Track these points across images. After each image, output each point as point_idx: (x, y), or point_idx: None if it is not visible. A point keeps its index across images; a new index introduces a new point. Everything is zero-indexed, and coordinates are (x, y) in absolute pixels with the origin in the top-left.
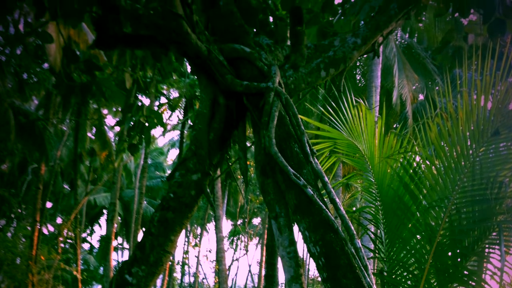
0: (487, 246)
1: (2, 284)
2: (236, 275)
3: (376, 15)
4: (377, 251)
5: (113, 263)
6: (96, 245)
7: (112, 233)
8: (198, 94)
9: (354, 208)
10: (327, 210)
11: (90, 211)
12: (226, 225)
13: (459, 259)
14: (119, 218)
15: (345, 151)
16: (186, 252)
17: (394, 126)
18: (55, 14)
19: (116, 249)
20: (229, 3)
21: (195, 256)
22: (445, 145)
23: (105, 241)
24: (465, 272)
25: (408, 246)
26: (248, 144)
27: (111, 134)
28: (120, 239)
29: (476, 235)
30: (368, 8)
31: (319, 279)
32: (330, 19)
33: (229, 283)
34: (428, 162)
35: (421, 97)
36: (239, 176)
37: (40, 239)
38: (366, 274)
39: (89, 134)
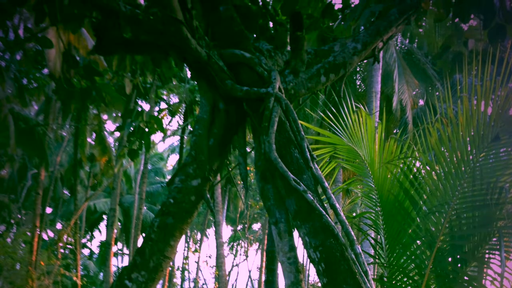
0: (487, 251)
1: None
2: (236, 280)
3: (376, 21)
4: (377, 257)
5: (113, 269)
6: (96, 250)
7: (112, 238)
8: (198, 99)
9: (354, 214)
10: (327, 215)
11: (90, 216)
12: (226, 231)
13: (459, 265)
14: (119, 223)
15: (345, 157)
16: (186, 258)
17: (394, 131)
18: (55, 20)
19: (116, 254)
20: (229, 9)
21: (195, 261)
22: (445, 150)
23: (105, 246)
24: (465, 277)
25: (408, 252)
26: (248, 150)
27: (111, 140)
28: (120, 245)
29: (476, 240)
30: (368, 14)
31: (319, 284)
32: (330, 24)
33: None
34: (428, 168)
35: (421, 102)
36: (239, 182)
37: (40, 244)
38: (366, 279)
39: (89, 140)
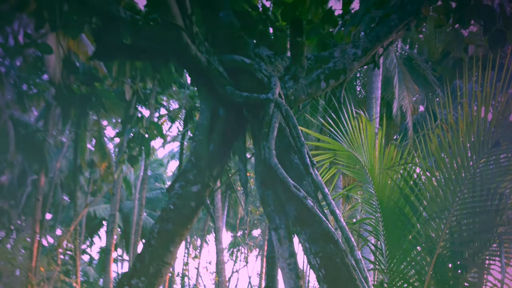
0: (487, 257)
1: None
2: (236, 286)
3: (377, 26)
4: (377, 263)
5: (113, 275)
6: (96, 256)
7: (111, 244)
8: (198, 105)
9: (354, 220)
10: (327, 221)
11: (89, 222)
12: (226, 237)
13: (459, 271)
14: (119, 229)
15: (345, 163)
16: (186, 264)
17: (395, 137)
18: (54, 25)
19: (115, 260)
20: (229, 14)
21: (195, 267)
22: (445, 156)
23: (104, 252)
24: (466, 284)
25: (408, 258)
26: (248, 156)
27: (110, 146)
28: (119, 251)
29: (477, 246)
30: (368, 19)
31: None
32: (330, 30)
33: None
34: (428, 174)
35: (421, 108)
36: (239, 188)
37: (39, 250)
38: (366, 286)
39: (88, 146)
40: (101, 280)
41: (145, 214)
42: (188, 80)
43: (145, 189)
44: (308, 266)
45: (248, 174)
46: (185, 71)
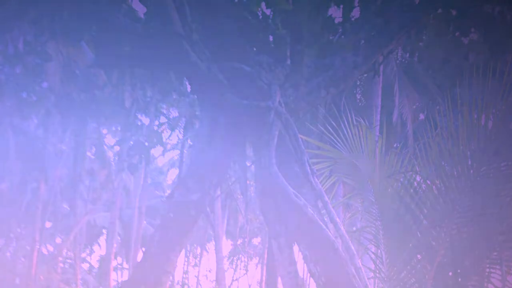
0: (488, 265)
1: None
2: None
3: (377, 34)
4: (377, 271)
5: (113, 283)
6: (96, 265)
7: (111, 253)
8: (198, 113)
9: (354, 228)
10: (327, 229)
11: (89, 230)
12: (226, 245)
13: (460, 279)
14: (119, 237)
15: (345, 171)
16: (186, 272)
17: (395, 145)
18: (54, 33)
19: (115, 269)
20: (229, 22)
21: (195, 276)
22: (445, 164)
23: (104, 261)
24: None
25: (409, 266)
26: (248, 164)
27: (110, 154)
28: (119, 259)
29: (477, 254)
30: (369, 27)
31: None
32: (331, 38)
33: None
34: (429, 182)
35: (421, 116)
36: (239, 196)
37: (39, 259)
38: None
39: (88, 153)
40: None
41: (145, 222)
42: (188, 88)
43: (145, 197)
44: (308, 274)
45: (248, 182)
46: (185, 78)
